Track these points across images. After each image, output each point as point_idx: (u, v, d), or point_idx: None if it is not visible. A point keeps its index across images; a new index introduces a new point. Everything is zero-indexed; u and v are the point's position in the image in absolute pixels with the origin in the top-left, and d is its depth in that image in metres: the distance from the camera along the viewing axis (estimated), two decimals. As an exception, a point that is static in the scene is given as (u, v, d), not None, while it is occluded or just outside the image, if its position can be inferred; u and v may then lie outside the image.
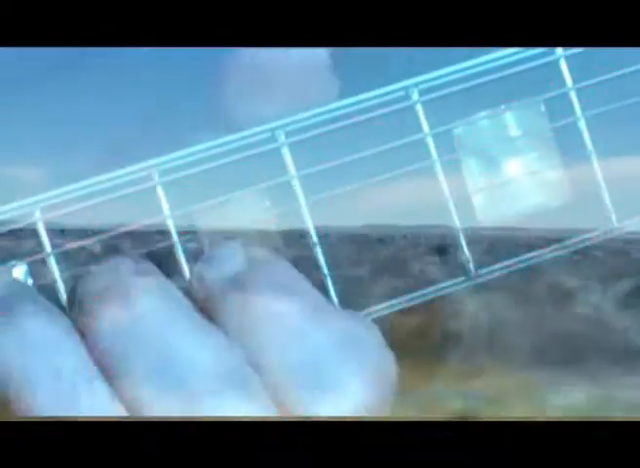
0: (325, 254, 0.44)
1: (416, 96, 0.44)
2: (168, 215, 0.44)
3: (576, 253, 0.45)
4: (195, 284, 0.42)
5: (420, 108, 0.44)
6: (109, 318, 0.40)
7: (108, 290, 0.41)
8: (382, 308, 0.44)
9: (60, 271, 0.44)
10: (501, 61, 0.44)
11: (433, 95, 0.44)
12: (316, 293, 0.41)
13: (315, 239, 0.44)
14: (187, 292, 0.42)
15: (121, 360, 0.39)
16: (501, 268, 0.44)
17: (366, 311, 0.44)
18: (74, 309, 0.41)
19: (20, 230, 0.44)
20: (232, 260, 0.42)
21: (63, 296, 0.43)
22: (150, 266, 0.42)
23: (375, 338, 0.41)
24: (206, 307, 0.41)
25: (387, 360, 0.41)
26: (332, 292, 0.44)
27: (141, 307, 0.40)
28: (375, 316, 0.44)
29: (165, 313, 0.40)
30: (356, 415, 0.39)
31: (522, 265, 0.44)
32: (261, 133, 0.44)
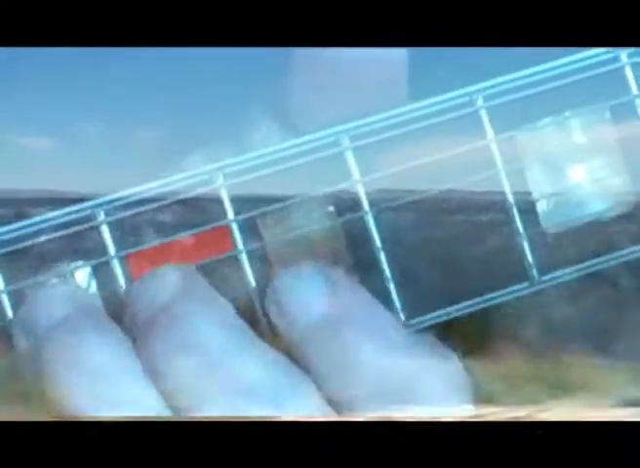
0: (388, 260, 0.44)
1: (480, 101, 0.44)
2: (231, 219, 0.44)
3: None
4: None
5: (484, 114, 0.44)
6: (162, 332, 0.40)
7: (156, 301, 0.41)
8: (444, 313, 0.44)
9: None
10: (566, 68, 0.44)
11: (498, 101, 0.44)
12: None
13: (379, 244, 0.44)
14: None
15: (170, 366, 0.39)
16: (565, 275, 0.44)
17: (430, 316, 0.44)
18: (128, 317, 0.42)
19: (83, 231, 0.44)
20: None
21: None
22: (195, 275, 0.42)
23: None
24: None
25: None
26: (396, 301, 0.43)
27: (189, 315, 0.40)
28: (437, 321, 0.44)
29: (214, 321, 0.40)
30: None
31: (586, 272, 0.44)
32: (326, 137, 0.44)
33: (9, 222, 0.44)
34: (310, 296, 0.41)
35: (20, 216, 0.44)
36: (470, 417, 0.40)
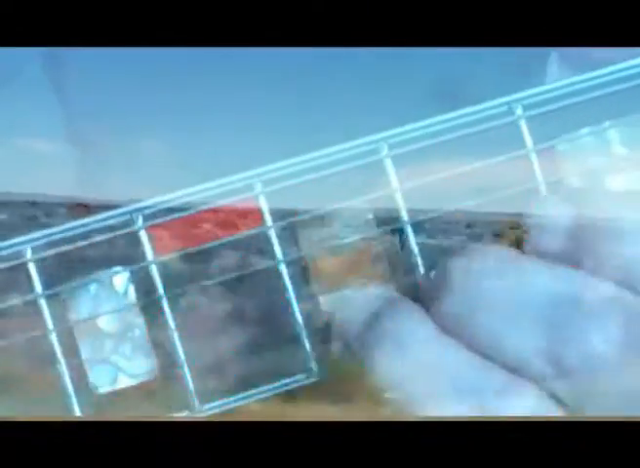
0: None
1: (520, 111, 0.44)
2: (270, 226, 0.44)
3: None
4: None
5: (523, 124, 0.44)
6: None
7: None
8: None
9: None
10: (606, 78, 0.44)
11: (537, 110, 0.44)
12: None
13: (416, 252, 0.44)
14: None
15: None
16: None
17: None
18: None
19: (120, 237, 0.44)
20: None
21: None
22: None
23: None
24: None
25: None
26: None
27: None
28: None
29: None
30: None
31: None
32: (365, 144, 0.44)
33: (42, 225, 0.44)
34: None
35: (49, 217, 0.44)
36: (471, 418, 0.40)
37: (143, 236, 0.44)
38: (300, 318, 0.43)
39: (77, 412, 0.41)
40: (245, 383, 0.43)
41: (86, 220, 0.44)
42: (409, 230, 0.44)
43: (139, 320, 0.44)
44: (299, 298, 0.43)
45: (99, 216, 0.43)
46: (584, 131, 0.44)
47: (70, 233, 0.43)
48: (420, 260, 0.44)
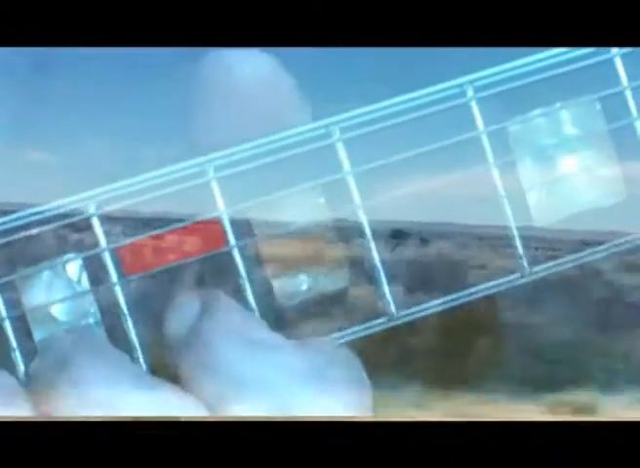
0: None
1: (471, 92, 0.44)
2: (222, 211, 0.44)
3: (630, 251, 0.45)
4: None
5: (474, 105, 0.44)
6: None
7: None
8: (437, 305, 0.44)
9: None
10: (557, 59, 0.44)
11: (488, 92, 0.44)
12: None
13: (369, 235, 0.44)
14: None
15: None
16: (555, 266, 0.44)
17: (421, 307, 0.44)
18: None
19: (76, 223, 0.44)
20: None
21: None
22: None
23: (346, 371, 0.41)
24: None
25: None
26: (387, 293, 0.44)
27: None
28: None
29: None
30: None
31: (576, 263, 0.44)
32: (316, 129, 0.44)
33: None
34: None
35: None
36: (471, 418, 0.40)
37: (96, 224, 0.44)
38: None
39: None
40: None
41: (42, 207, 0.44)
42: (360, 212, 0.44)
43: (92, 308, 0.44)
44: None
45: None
46: (536, 112, 0.44)
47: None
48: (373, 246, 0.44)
